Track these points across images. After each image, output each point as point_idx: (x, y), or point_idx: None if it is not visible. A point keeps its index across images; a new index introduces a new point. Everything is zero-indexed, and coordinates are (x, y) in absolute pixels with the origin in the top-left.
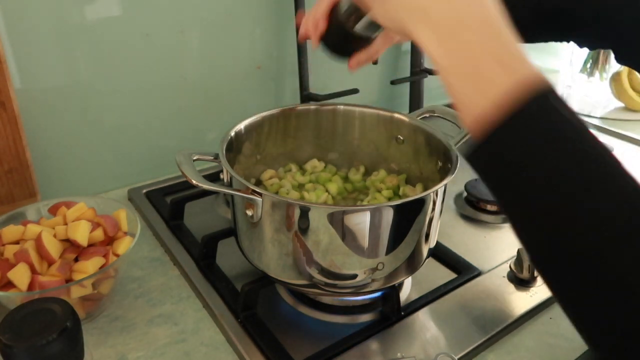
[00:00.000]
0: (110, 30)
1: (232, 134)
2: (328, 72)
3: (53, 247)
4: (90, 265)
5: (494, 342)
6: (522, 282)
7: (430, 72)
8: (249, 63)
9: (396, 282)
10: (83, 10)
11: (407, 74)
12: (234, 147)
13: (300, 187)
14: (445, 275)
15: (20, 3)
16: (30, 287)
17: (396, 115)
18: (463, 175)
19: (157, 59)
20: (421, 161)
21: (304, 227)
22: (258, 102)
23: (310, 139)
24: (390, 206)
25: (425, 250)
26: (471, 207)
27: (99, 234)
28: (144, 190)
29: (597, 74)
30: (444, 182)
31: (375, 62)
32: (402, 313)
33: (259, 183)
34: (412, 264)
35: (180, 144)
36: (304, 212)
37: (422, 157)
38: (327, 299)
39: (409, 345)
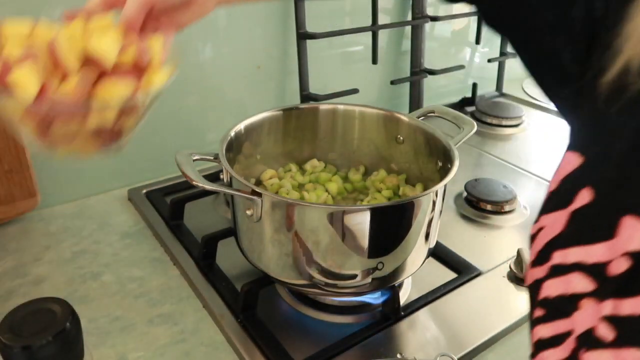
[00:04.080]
0: None
1: (232, 134)
2: (328, 72)
3: (71, 54)
4: (119, 88)
5: (494, 342)
6: (522, 282)
7: (430, 72)
8: (249, 63)
9: (396, 282)
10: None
11: (407, 74)
12: (234, 147)
13: (300, 187)
14: (445, 275)
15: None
16: (39, 99)
17: (396, 115)
18: (463, 175)
19: None
20: (421, 161)
21: (304, 227)
22: (258, 102)
23: (310, 139)
24: (390, 206)
25: (425, 250)
26: (471, 207)
27: (128, 56)
28: (144, 190)
29: None
30: (444, 182)
31: (375, 62)
32: (402, 313)
33: (259, 183)
34: (412, 264)
35: (180, 144)
36: (304, 212)
37: (422, 157)
38: (327, 299)
39: (409, 345)
